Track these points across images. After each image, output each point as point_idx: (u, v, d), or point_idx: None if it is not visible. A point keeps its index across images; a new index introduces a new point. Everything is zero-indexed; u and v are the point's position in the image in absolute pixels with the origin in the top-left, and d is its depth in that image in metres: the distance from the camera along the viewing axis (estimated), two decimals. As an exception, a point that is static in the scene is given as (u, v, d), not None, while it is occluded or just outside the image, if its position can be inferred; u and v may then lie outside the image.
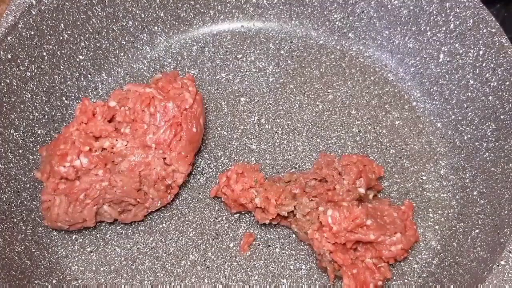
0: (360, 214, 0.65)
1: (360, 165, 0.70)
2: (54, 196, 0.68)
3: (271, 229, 0.74)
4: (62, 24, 0.79)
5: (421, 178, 0.77)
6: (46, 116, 0.79)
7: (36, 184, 0.75)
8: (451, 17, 0.78)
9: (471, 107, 0.77)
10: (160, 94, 0.72)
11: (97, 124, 0.70)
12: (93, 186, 0.67)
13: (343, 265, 0.65)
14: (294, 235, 0.73)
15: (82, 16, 0.81)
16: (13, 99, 0.74)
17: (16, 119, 0.74)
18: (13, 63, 0.73)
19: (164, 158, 0.70)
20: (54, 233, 0.73)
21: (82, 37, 0.82)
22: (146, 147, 0.70)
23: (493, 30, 0.73)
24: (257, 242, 0.73)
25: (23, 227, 0.71)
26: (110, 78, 0.86)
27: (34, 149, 0.76)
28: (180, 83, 0.74)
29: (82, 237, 0.73)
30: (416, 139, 0.80)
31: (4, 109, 0.73)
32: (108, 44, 0.85)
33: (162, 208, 0.75)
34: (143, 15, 0.87)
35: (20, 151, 0.74)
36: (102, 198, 0.68)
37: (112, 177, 0.67)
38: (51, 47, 0.78)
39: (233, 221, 0.74)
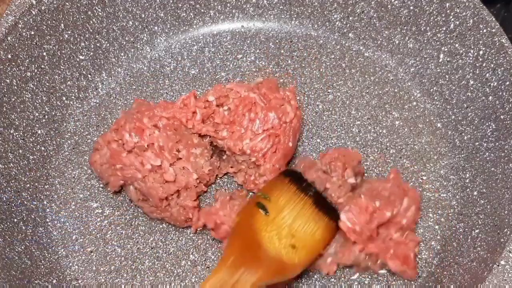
0: (368, 202, 0.65)
1: (341, 158, 0.70)
2: (104, 145, 0.70)
3: (271, 229, 0.74)
4: (62, 24, 0.79)
5: (421, 178, 0.77)
6: (46, 116, 0.79)
7: (36, 184, 0.75)
8: (451, 17, 0.78)
9: (471, 107, 0.77)
10: (262, 101, 0.71)
11: (195, 125, 0.71)
12: (130, 168, 0.68)
13: (379, 252, 0.65)
14: (294, 235, 0.73)
15: (82, 16, 0.81)
16: (13, 99, 0.74)
17: (16, 119, 0.74)
18: (13, 63, 0.73)
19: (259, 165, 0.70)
20: (54, 233, 0.73)
21: (82, 37, 0.82)
22: None
23: (493, 30, 0.73)
24: (257, 242, 0.73)
25: (23, 227, 0.71)
26: (110, 78, 0.86)
27: (34, 149, 0.76)
28: (282, 94, 0.73)
29: (82, 237, 0.73)
30: (416, 139, 0.80)
31: (4, 109, 0.73)
32: (108, 44, 0.85)
33: (162, 208, 0.75)
34: (143, 15, 0.87)
35: (20, 151, 0.74)
36: (131, 180, 0.69)
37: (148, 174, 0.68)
38: (51, 47, 0.78)
39: (233, 221, 0.74)
